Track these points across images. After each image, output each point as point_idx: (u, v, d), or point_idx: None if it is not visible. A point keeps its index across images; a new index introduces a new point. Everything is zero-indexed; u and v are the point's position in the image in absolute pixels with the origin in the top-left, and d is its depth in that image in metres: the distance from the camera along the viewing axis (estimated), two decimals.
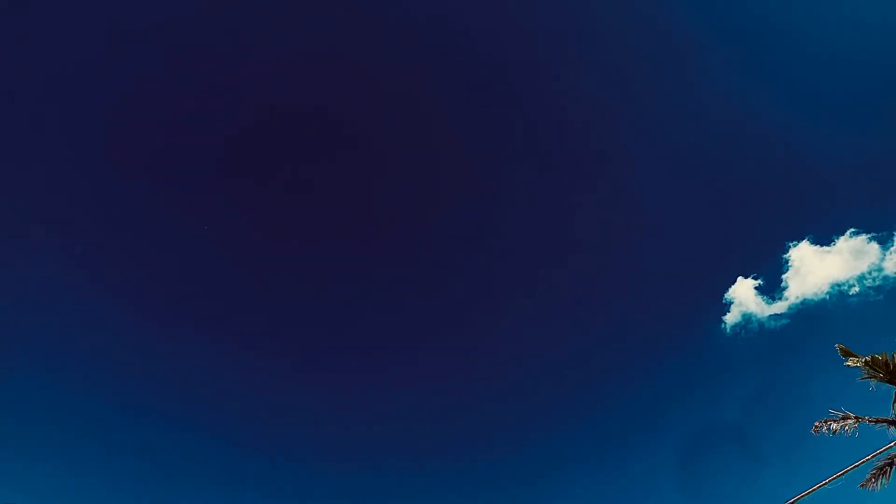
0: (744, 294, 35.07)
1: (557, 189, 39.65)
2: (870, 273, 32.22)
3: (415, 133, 39.74)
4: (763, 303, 34.47)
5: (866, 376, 16.56)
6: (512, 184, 40.01)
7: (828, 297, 33.11)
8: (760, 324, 34.53)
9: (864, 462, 14.43)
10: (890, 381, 16.39)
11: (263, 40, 36.74)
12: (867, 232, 33.07)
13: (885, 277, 31.80)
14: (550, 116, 38.76)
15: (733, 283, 35.68)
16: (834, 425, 16.08)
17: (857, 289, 32.50)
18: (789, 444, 31.85)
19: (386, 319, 40.25)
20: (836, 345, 17.27)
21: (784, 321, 33.97)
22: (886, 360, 16.30)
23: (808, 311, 33.70)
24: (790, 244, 35.03)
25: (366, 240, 40.57)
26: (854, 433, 15.94)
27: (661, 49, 36.90)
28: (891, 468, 16.02)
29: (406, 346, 40.13)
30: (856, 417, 16.03)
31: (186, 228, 38.05)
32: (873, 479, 16.39)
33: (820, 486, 13.47)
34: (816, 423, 16.40)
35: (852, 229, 33.40)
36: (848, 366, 16.75)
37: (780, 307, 34.02)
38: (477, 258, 40.48)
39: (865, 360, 16.31)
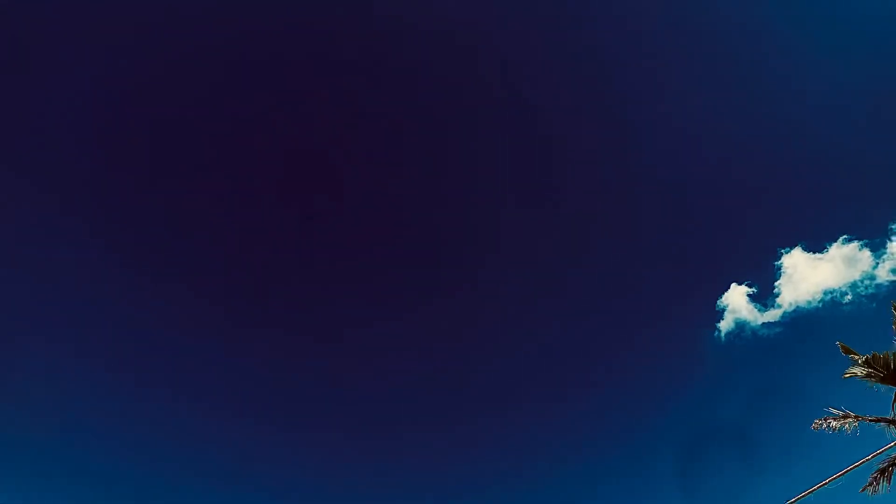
0: (737, 301, 34.75)
1: (550, 196, 39.48)
2: (862, 281, 31.98)
3: (406, 150, 39.61)
4: (756, 310, 34.18)
5: (865, 376, 16.25)
6: (499, 195, 39.85)
7: (821, 304, 32.83)
8: (754, 331, 34.22)
9: (863, 462, 14.05)
10: (890, 381, 16.05)
11: (264, 46, 36.72)
12: (859, 239, 32.81)
13: (878, 286, 31.53)
14: (539, 121, 38.61)
15: (726, 290, 35.33)
16: (833, 423, 15.72)
17: (849, 297, 32.25)
18: (786, 450, 31.50)
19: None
20: (837, 342, 16.98)
21: (777, 329, 33.67)
22: (887, 360, 16.02)
23: (801, 320, 33.40)
24: (782, 251, 34.71)
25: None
26: (855, 431, 15.57)
27: (650, 58, 36.90)
28: (892, 469, 15.61)
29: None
30: (855, 416, 15.67)
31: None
32: (874, 483, 15.99)
33: (820, 487, 13.11)
34: (816, 421, 16.05)
35: (844, 236, 33.11)
36: (847, 374, 16.42)
37: (773, 315, 33.72)
38: (470, 267, 40.24)
39: (866, 358, 16.01)
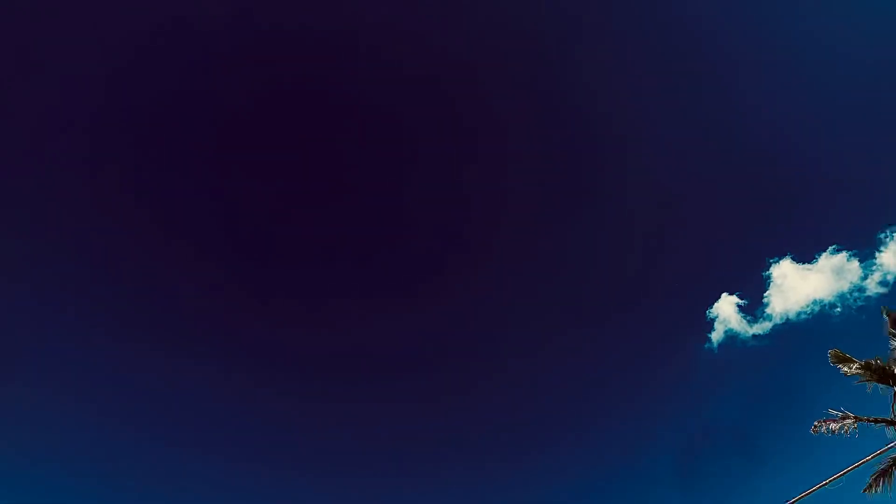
0: (727, 311, 34.95)
1: (545, 204, 39.86)
2: (851, 292, 32.29)
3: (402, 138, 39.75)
4: (745, 322, 34.39)
5: (863, 379, 16.64)
6: (490, 209, 40.20)
7: (810, 315, 33.04)
8: (744, 343, 34.46)
9: (863, 462, 14.34)
10: (887, 382, 16.43)
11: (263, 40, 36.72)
12: (848, 249, 33.10)
13: (868, 297, 31.83)
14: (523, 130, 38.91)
15: (717, 300, 35.52)
16: (833, 425, 16.03)
17: (838, 308, 32.53)
18: (784, 456, 31.65)
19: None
20: (830, 350, 17.36)
21: (767, 342, 33.93)
22: (881, 365, 16.44)
23: (790, 331, 33.57)
24: (771, 261, 34.89)
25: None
26: (854, 433, 15.87)
27: (639, 64, 37.28)
28: (893, 470, 15.89)
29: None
30: (855, 417, 16.01)
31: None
32: (875, 483, 16.24)
33: (819, 487, 13.39)
34: (816, 423, 16.39)
35: (833, 246, 33.38)
36: (843, 371, 16.84)
37: (763, 327, 33.95)
38: (468, 277, 40.52)
39: (861, 364, 16.43)
